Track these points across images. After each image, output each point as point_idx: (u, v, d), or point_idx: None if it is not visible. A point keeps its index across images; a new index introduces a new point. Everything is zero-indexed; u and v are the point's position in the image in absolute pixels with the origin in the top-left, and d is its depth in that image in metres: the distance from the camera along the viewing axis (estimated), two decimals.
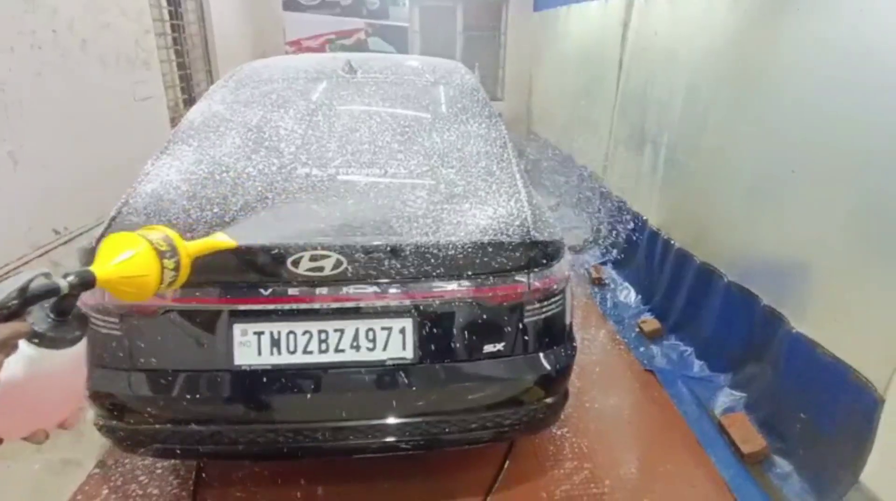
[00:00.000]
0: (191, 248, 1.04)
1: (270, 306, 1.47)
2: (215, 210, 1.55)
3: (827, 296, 1.97)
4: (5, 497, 1.95)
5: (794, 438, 2.04)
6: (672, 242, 3.06)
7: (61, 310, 0.71)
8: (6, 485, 2.00)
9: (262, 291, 1.45)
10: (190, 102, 4.54)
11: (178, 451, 1.64)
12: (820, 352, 1.94)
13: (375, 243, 1.47)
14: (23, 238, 2.58)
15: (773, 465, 2.07)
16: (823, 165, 1.97)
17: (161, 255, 0.95)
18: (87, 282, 0.80)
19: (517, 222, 1.59)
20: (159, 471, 2.03)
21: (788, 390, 2.10)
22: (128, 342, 1.51)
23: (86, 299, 1.49)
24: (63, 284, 0.73)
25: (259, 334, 1.50)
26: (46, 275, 0.73)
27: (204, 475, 2.01)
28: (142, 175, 1.76)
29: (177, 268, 0.97)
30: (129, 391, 1.52)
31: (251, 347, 1.50)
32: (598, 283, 3.64)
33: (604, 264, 3.88)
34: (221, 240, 1.14)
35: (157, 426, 1.57)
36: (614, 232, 3.95)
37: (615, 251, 3.89)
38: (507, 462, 2.08)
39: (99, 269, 0.85)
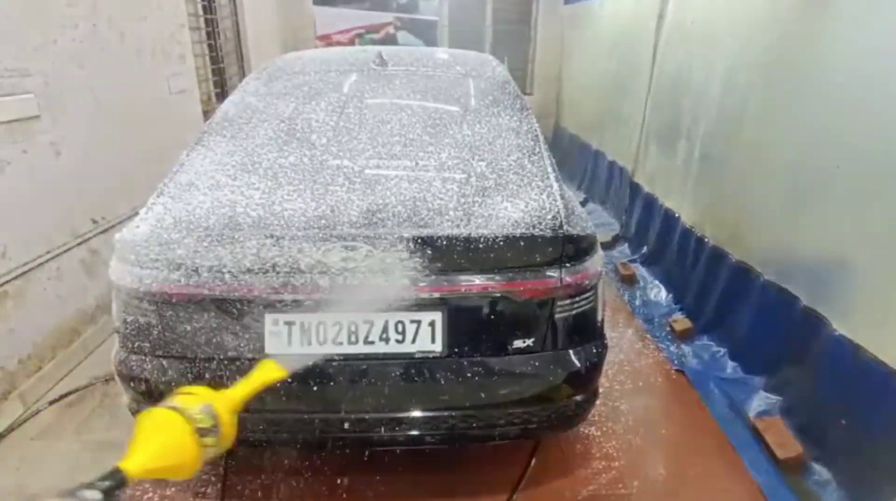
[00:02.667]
0: (236, 399, 0.96)
1: (301, 297, 1.47)
2: (247, 201, 1.56)
3: (873, 297, 1.88)
4: (45, 474, 2.02)
5: (834, 445, 1.96)
6: (706, 239, 2.98)
7: None
8: (47, 463, 2.07)
9: (293, 281, 1.46)
10: (222, 95, 4.62)
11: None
12: (864, 356, 1.86)
13: (406, 234, 1.46)
14: (64, 226, 2.67)
15: (810, 472, 2.00)
16: (872, 160, 1.88)
17: (200, 433, 0.88)
18: (119, 485, 0.78)
19: (549, 216, 1.56)
20: None
21: (828, 394, 2.02)
22: (162, 328, 1.54)
23: (123, 283, 1.52)
24: (96, 497, 0.74)
25: (290, 324, 1.51)
26: (74, 494, 0.73)
27: (233, 461, 2.04)
28: (177, 166, 1.79)
29: (217, 442, 0.90)
30: (162, 376, 1.55)
31: (282, 337, 1.52)
32: (628, 280, 3.57)
33: (633, 261, 3.80)
34: (269, 373, 1.07)
35: None
36: (645, 229, 3.87)
37: (646, 248, 3.81)
38: (534, 460, 2.06)
39: (131, 466, 0.81)
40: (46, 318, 2.55)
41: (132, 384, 1.59)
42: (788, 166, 2.34)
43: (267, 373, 1.09)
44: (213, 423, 0.91)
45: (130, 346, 1.59)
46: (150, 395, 1.59)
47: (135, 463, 0.82)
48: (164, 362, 1.56)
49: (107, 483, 0.76)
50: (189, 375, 1.55)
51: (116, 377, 1.63)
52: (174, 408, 0.89)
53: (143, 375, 1.56)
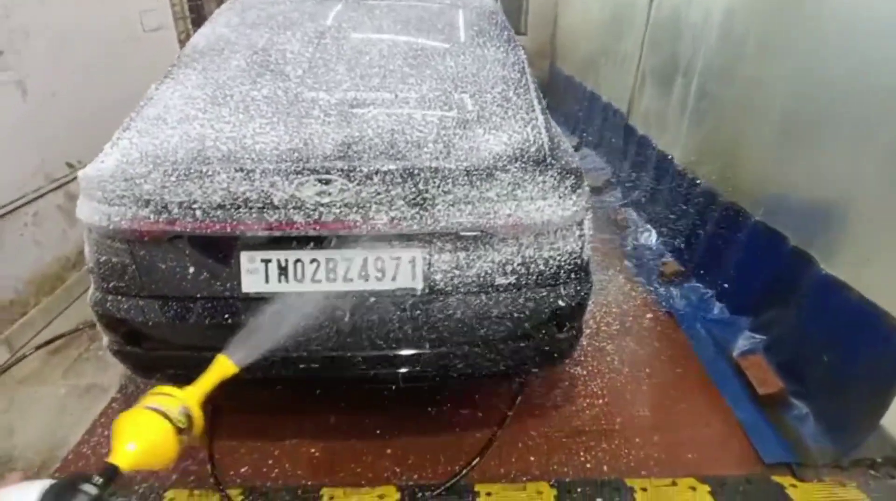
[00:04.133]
0: (199, 395, 1.13)
1: (277, 233, 1.42)
2: (217, 134, 1.49)
3: (862, 237, 1.86)
4: (32, 419, 2.03)
5: (814, 381, 1.99)
6: (698, 181, 2.92)
7: None
8: (33, 408, 2.08)
9: (267, 217, 1.41)
10: None
11: (191, 377, 1.66)
12: (850, 295, 1.85)
13: (385, 167, 1.40)
14: (38, 171, 2.58)
15: (790, 407, 2.03)
16: (867, 99, 1.81)
17: (180, 432, 1.03)
18: (112, 478, 0.93)
19: (533, 149, 1.50)
20: None
21: (812, 333, 2.02)
22: (137, 267, 1.49)
23: (91, 221, 1.47)
24: (93, 491, 0.88)
25: (266, 261, 1.47)
26: (67, 487, 0.87)
27: (219, 402, 2.05)
28: (145, 100, 1.70)
29: (191, 437, 1.08)
30: (139, 316, 1.52)
31: (259, 274, 1.48)
32: (619, 224, 3.54)
33: (625, 205, 3.76)
34: (224, 369, 1.24)
35: (169, 351, 1.58)
36: (637, 172, 3.80)
37: (637, 192, 3.75)
38: (520, 398, 2.08)
39: (122, 462, 0.95)
40: (26, 264, 2.50)
41: (109, 324, 1.57)
42: (783, 104, 2.25)
43: (222, 369, 1.26)
44: (188, 423, 1.08)
45: (105, 286, 1.55)
46: (129, 336, 1.57)
47: (126, 461, 0.97)
48: (141, 302, 1.53)
49: (100, 481, 0.91)
50: (166, 314, 1.52)
51: (94, 318, 1.60)
52: (158, 411, 1.04)
53: (120, 315, 1.53)
